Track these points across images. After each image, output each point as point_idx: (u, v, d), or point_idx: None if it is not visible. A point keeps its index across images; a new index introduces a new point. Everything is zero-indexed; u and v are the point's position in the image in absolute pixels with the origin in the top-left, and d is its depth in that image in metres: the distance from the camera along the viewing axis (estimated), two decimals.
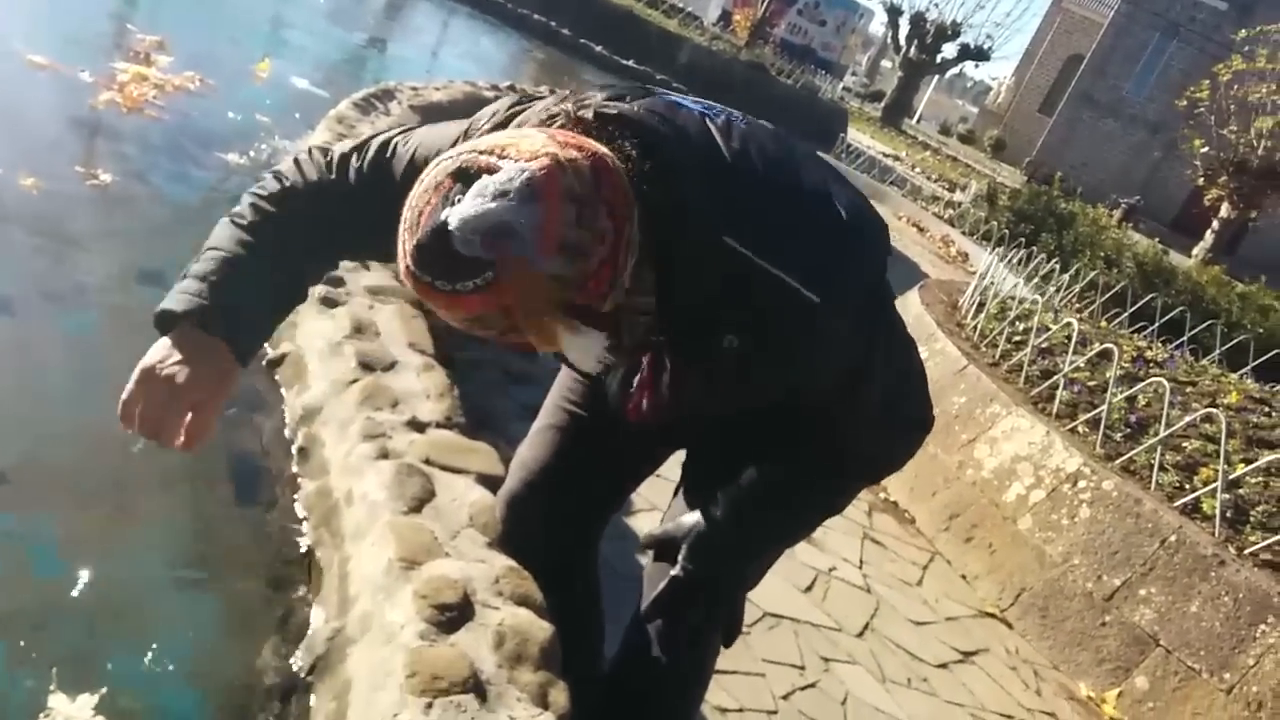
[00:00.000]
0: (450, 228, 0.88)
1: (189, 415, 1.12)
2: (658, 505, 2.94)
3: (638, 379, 1.24)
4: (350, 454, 1.81)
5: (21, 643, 1.39)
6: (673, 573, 1.40)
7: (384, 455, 1.77)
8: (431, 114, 5.01)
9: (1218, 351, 6.24)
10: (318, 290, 2.42)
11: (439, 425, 1.96)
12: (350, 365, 2.10)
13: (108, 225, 2.73)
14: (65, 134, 3.20)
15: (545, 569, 1.60)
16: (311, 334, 2.30)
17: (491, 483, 1.77)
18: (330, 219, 1.25)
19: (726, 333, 1.10)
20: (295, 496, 1.82)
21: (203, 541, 1.65)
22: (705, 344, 1.12)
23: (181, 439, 1.12)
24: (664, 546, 1.43)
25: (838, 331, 1.13)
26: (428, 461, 1.77)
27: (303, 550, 1.68)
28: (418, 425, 1.94)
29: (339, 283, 2.48)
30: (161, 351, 1.15)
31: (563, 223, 0.89)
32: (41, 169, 2.75)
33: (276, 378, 2.26)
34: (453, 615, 1.34)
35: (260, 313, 1.24)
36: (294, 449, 1.96)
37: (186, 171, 3.35)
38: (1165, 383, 3.65)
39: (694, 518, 1.40)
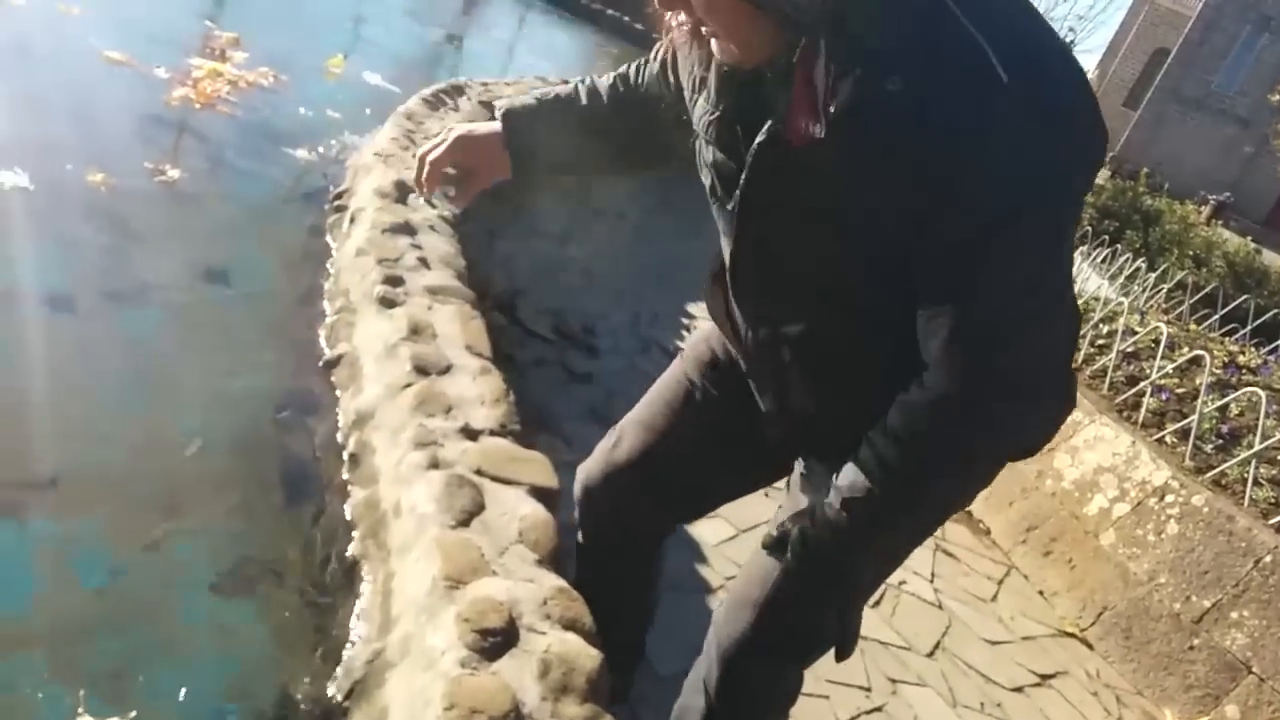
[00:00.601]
0: None
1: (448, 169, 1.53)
2: (728, 517, 2.86)
3: (793, 97, 1.06)
4: (401, 462, 1.76)
5: (63, 654, 1.36)
6: (782, 566, 1.30)
7: (434, 464, 1.72)
8: None
9: None
10: (376, 290, 2.38)
11: (493, 433, 1.90)
12: (405, 369, 2.05)
13: (174, 222, 2.73)
14: (137, 130, 3.22)
15: (609, 549, 1.65)
16: (369, 335, 2.26)
17: (544, 495, 1.70)
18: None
19: (893, 70, 0.95)
20: (345, 505, 1.77)
21: (250, 550, 1.61)
22: (868, 78, 0.97)
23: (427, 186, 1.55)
24: (777, 542, 1.29)
25: (1009, 139, 0.94)
26: (479, 472, 1.71)
27: (349, 562, 1.63)
28: (470, 433, 1.88)
29: (398, 282, 2.44)
30: (474, 128, 1.54)
31: None
32: (111, 165, 2.76)
33: (333, 379, 2.23)
34: (496, 641, 1.27)
35: (546, 144, 1.54)
36: (345, 455, 1.91)
37: (255, 168, 3.35)
38: (1260, 392, 3.45)
39: (806, 507, 1.28)
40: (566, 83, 1.59)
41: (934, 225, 1.00)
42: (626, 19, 13.79)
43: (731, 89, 1.16)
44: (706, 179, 1.26)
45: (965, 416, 1.09)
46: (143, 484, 1.74)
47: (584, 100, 1.55)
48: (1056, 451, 3.64)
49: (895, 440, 1.13)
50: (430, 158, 1.51)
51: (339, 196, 3.20)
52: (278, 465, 1.93)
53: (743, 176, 1.14)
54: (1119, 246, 9.39)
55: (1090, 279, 6.33)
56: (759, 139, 1.10)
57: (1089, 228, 10.44)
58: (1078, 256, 6.86)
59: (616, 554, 1.70)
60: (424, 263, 2.61)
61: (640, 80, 1.54)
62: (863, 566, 1.32)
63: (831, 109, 1.00)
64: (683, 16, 1.09)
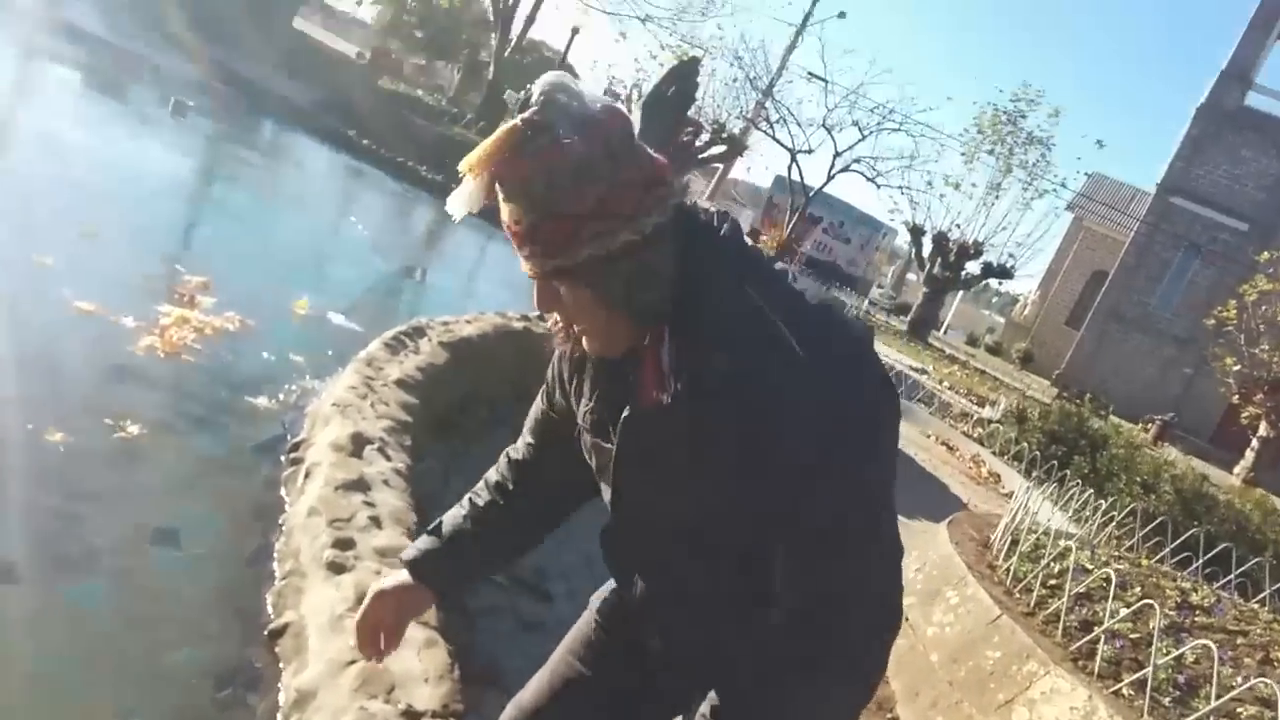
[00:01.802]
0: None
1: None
2: None
3: (643, 372, 1.30)
4: None
5: None
6: None
7: None
8: (461, 349, 5.13)
9: (1268, 591, 5.98)
10: (326, 554, 2.39)
11: (434, 715, 1.88)
12: (349, 644, 2.04)
13: (128, 481, 2.75)
14: (101, 383, 3.28)
15: None
16: (316, 603, 2.26)
17: None
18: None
19: (721, 349, 1.19)
20: None
21: None
22: (703, 355, 1.21)
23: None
24: None
25: (814, 403, 1.17)
26: None
27: None
28: (413, 715, 1.86)
29: (348, 545, 2.45)
30: (388, 583, 1.59)
31: (602, 141, 1.17)
32: (71, 422, 2.80)
33: (277, 650, 2.20)
34: None
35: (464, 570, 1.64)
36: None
37: (215, 418, 3.40)
38: (1212, 645, 3.46)
39: None
40: (462, 506, 1.64)
41: (763, 473, 1.21)
42: None
43: (602, 379, 1.38)
44: (592, 461, 1.46)
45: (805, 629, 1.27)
46: None
47: (485, 511, 1.61)
48: (1014, 704, 3.60)
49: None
50: (357, 624, 1.59)
51: (296, 448, 3.24)
52: None
53: (613, 452, 1.36)
54: (1068, 472, 9.59)
55: (1042, 509, 6.42)
56: (624, 415, 1.32)
57: (1037, 453, 10.68)
58: (1028, 486, 6.98)
59: None
60: (375, 521, 2.63)
61: (533, 445, 1.62)
62: None
63: (675, 383, 1.24)
64: (558, 316, 1.32)
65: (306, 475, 2.95)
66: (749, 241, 1.31)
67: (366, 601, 1.60)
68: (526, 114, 1.20)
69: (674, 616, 1.47)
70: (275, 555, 2.59)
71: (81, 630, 2.12)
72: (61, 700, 1.87)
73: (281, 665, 2.14)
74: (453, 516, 1.61)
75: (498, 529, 1.61)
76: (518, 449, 1.64)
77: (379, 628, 1.59)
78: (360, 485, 2.81)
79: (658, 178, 1.24)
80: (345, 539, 2.46)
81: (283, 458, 3.21)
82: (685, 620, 1.45)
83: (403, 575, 1.60)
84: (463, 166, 1.23)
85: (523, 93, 1.23)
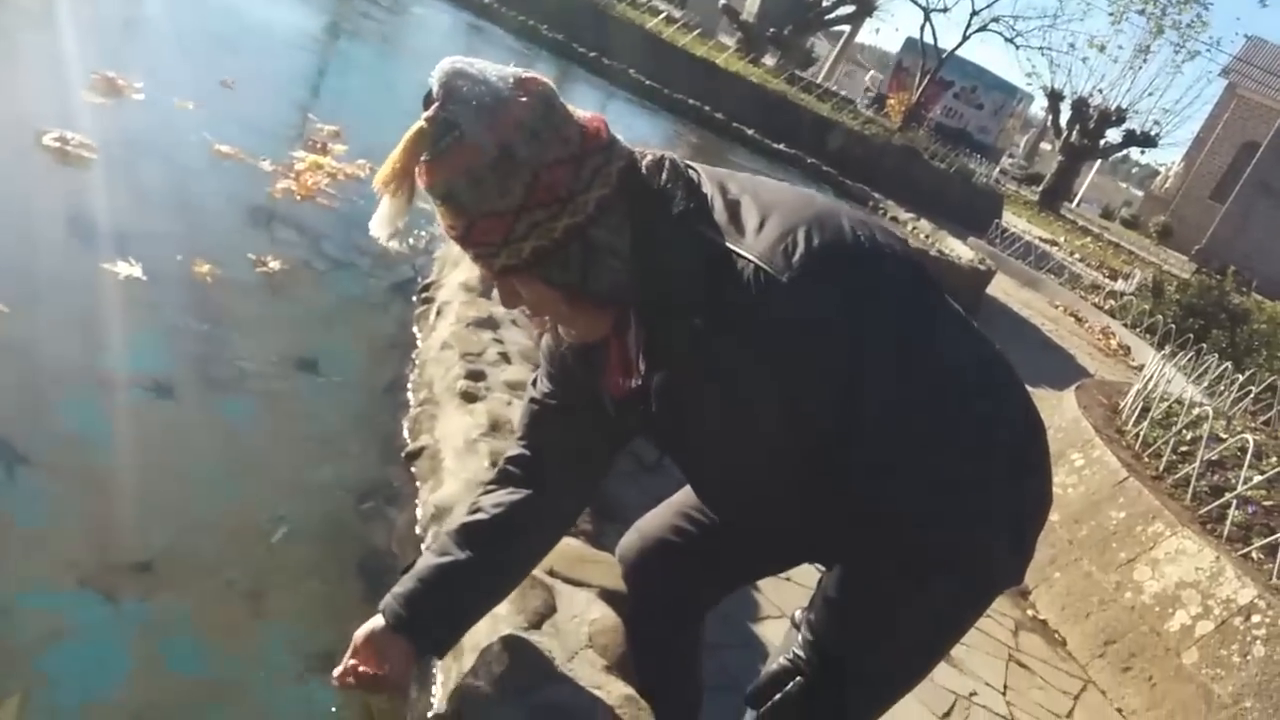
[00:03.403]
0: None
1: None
2: (786, 611, 2.85)
3: (609, 358, 1.27)
4: None
5: None
6: (779, 660, 1.36)
7: None
8: None
9: None
10: (459, 385, 2.47)
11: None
12: (484, 464, 2.12)
13: (271, 312, 2.87)
14: (243, 222, 3.40)
15: (651, 617, 1.70)
16: (450, 429, 2.35)
17: (613, 598, 1.74)
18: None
19: (694, 311, 1.14)
20: None
21: (332, 641, 1.66)
22: (677, 322, 1.16)
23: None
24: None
25: (805, 317, 1.12)
26: (551, 572, 1.75)
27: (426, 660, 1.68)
28: None
29: (479, 377, 2.53)
30: (367, 630, 1.45)
31: (516, 125, 1.09)
32: (217, 256, 2.92)
33: (414, 470, 2.31)
34: None
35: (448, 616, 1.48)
36: (423, 548, 1.98)
37: (349, 259, 3.51)
38: None
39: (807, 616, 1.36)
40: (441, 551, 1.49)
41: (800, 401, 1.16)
42: (707, 108, 14.12)
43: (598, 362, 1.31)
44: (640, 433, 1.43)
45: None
46: (231, 569, 1.81)
47: (464, 551, 1.44)
48: (1136, 563, 3.55)
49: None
50: (335, 674, 1.47)
51: (426, 289, 3.33)
52: (358, 556, 1.99)
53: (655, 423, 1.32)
54: (1204, 346, 9.18)
55: (1175, 381, 6.19)
56: (654, 388, 1.25)
57: (1172, 325, 10.23)
58: (1161, 359, 6.72)
59: (659, 618, 1.74)
60: (505, 357, 2.70)
61: (530, 448, 1.49)
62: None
63: (641, 364, 1.21)
64: (527, 310, 1.25)
65: (438, 313, 3.04)
66: (691, 173, 1.21)
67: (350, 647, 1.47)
68: (429, 111, 1.11)
69: (776, 526, 1.45)
70: (410, 386, 2.70)
71: (233, 444, 2.25)
72: (216, 504, 2.00)
73: (419, 484, 2.24)
74: (429, 563, 1.45)
75: (483, 557, 1.44)
76: (512, 465, 1.49)
77: (351, 675, 1.46)
78: (490, 323, 2.88)
79: (590, 148, 1.14)
80: (476, 371, 2.54)
81: (414, 297, 3.31)
82: (786, 527, 1.42)
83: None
84: (376, 185, 1.15)
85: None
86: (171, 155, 3.69)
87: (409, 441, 2.42)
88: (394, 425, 2.50)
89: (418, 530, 2.07)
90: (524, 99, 1.11)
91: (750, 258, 1.11)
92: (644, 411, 1.29)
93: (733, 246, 1.13)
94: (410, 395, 2.65)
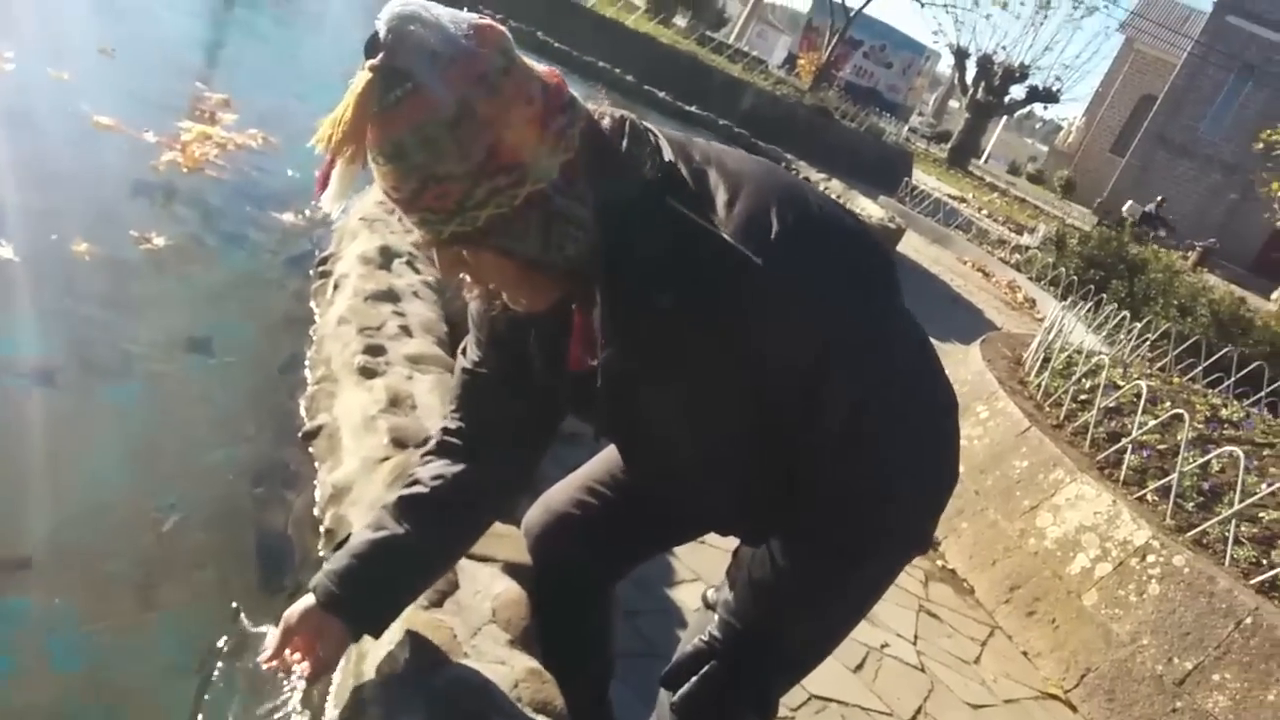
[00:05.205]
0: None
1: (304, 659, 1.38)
2: (702, 576, 2.86)
3: (571, 331, 1.23)
4: None
5: None
6: (694, 642, 1.32)
7: None
8: None
9: None
10: (357, 360, 2.40)
11: None
12: (383, 441, 2.07)
13: (157, 291, 2.75)
14: (123, 197, 3.26)
15: (557, 591, 1.68)
16: (349, 406, 2.28)
17: (518, 572, 1.72)
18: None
19: (661, 288, 1.09)
20: None
21: (225, 632, 1.61)
22: (642, 298, 1.10)
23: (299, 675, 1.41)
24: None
25: (779, 302, 1.08)
26: None
27: None
28: None
29: (379, 351, 2.46)
30: (299, 611, 1.38)
31: (478, 79, 0.98)
32: (96, 234, 2.79)
33: (311, 450, 2.24)
34: None
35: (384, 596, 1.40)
36: (322, 530, 1.93)
37: (241, 233, 3.39)
38: (1239, 451, 3.47)
39: (723, 596, 1.33)
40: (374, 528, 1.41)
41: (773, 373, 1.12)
42: (618, 71, 14.00)
43: (545, 333, 1.26)
44: (573, 410, 1.38)
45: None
46: (119, 561, 1.74)
47: (401, 525, 1.37)
48: (1039, 510, 3.66)
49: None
50: (262, 659, 1.40)
51: (324, 262, 3.23)
52: (254, 541, 1.93)
53: (600, 402, 1.25)
54: (1104, 296, 9.47)
55: (1076, 331, 6.36)
56: (599, 367, 1.20)
57: (1074, 278, 10.54)
58: (1061, 310, 6.91)
59: (566, 592, 1.71)
60: (406, 330, 2.64)
61: (464, 420, 1.43)
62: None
63: (601, 341, 1.16)
64: (468, 279, 1.16)
65: (335, 287, 2.95)
66: (651, 136, 1.14)
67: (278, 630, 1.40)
68: (375, 59, 0.98)
69: (709, 505, 1.41)
70: (307, 363, 2.62)
71: (119, 430, 2.16)
72: (101, 494, 1.92)
73: (317, 464, 2.18)
74: (364, 538, 1.38)
75: (423, 529, 1.38)
76: (449, 436, 1.42)
77: (279, 656, 1.39)
78: (390, 296, 2.80)
79: (555, 104, 1.04)
80: (375, 345, 2.47)
81: (311, 271, 3.21)
82: (721, 506, 1.38)
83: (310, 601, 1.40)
84: (319, 146, 1.03)
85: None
86: (46, 128, 3.51)
87: (306, 421, 2.35)
88: (291, 405, 2.43)
89: (315, 512, 2.01)
90: (486, 49, 1.00)
91: (724, 236, 1.07)
92: (588, 386, 1.23)
93: (703, 223, 1.08)
94: (308, 373, 2.57)
